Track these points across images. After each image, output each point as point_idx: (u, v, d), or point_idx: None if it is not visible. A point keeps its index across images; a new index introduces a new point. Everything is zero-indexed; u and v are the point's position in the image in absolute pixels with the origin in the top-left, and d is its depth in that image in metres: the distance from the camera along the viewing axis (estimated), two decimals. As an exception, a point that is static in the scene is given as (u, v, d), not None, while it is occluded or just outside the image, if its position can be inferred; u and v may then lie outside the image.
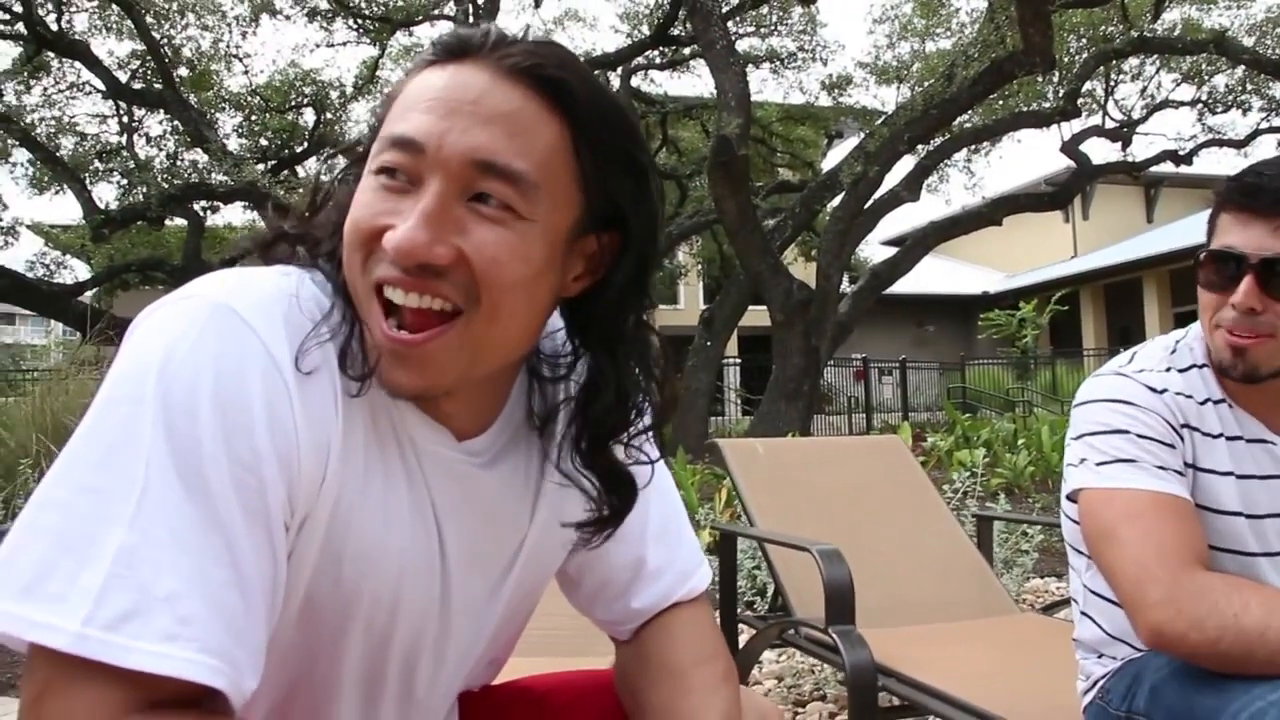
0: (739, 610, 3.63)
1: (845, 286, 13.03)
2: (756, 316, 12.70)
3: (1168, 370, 1.52)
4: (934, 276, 25.29)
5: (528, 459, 1.00)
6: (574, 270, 0.90)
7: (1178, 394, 1.49)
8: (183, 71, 14.12)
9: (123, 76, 13.81)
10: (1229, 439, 1.49)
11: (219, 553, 0.74)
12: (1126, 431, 1.45)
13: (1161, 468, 1.42)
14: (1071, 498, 1.54)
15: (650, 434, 1.02)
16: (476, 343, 0.83)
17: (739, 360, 21.32)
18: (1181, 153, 16.55)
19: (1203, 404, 1.50)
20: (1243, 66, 14.57)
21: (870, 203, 12.10)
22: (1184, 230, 21.78)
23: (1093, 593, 1.66)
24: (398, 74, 15.02)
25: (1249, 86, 15.60)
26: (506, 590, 1.03)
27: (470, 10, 13.46)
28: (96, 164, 13.94)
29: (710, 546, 4.47)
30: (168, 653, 0.69)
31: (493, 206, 0.81)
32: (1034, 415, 13.56)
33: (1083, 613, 1.68)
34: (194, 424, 0.74)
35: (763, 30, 15.73)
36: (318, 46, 15.25)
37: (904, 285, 15.30)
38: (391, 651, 0.95)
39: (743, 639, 3.06)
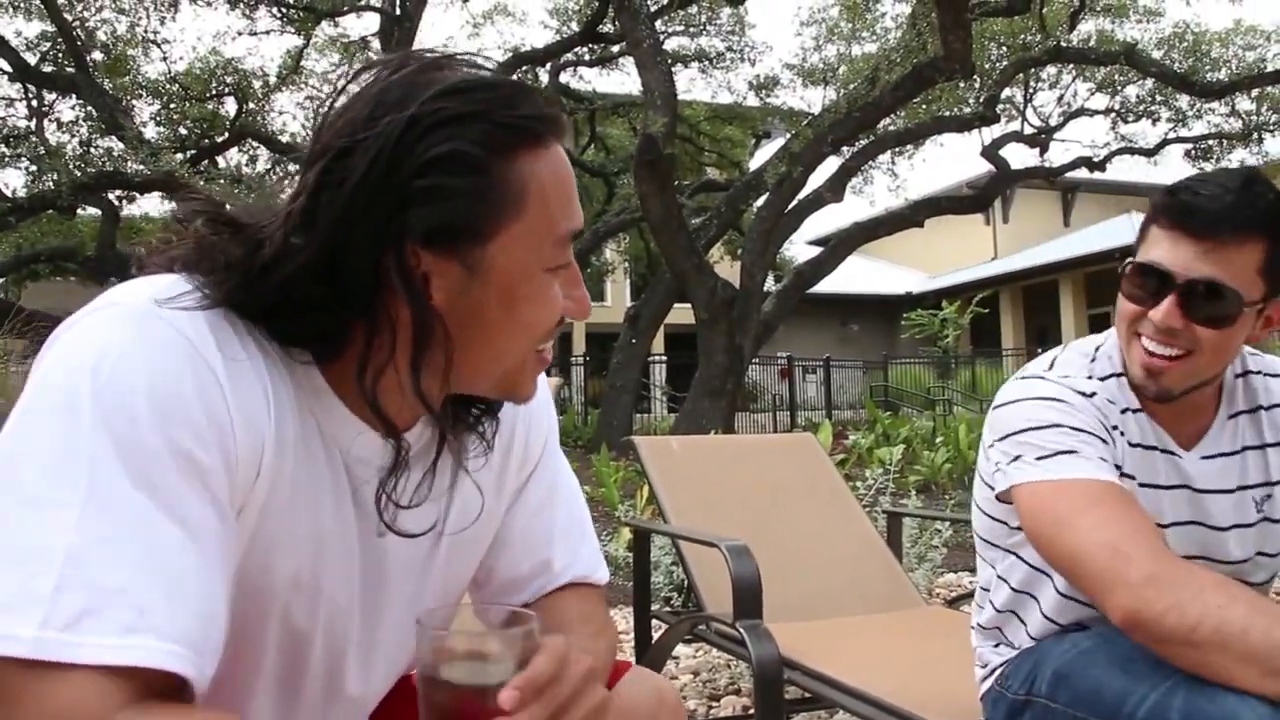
0: (657, 607, 3.66)
1: (770, 285, 13.17)
2: (682, 314, 12.77)
3: (1089, 378, 1.53)
4: (858, 276, 25.64)
5: (442, 446, 1.02)
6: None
7: (1105, 402, 1.49)
8: (97, 56, 13.70)
9: (31, 58, 13.34)
10: (1145, 448, 1.51)
11: (176, 541, 0.75)
12: (1061, 425, 1.44)
13: (1102, 459, 1.41)
14: (1003, 498, 1.53)
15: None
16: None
17: (665, 358, 21.40)
18: (1096, 159, 17.04)
19: (1123, 412, 1.51)
20: (1152, 78, 15.06)
21: (794, 203, 12.25)
22: (1099, 234, 22.40)
23: (1014, 588, 1.66)
24: (323, 64, 14.72)
25: (1158, 98, 16.14)
26: (433, 582, 1.05)
27: (396, 2, 13.30)
28: (2, 149, 13.48)
29: (629, 543, 4.49)
30: (129, 644, 0.70)
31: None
32: (954, 414, 13.84)
33: (999, 610, 1.68)
34: (133, 423, 0.75)
35: (692, 30, 15.82)
36: (240, 34, 14.93)
37: (829, 285, 15.51)
38: (313, 646, 0.96)
39: (658, 636, 3.09)
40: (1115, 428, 1.48)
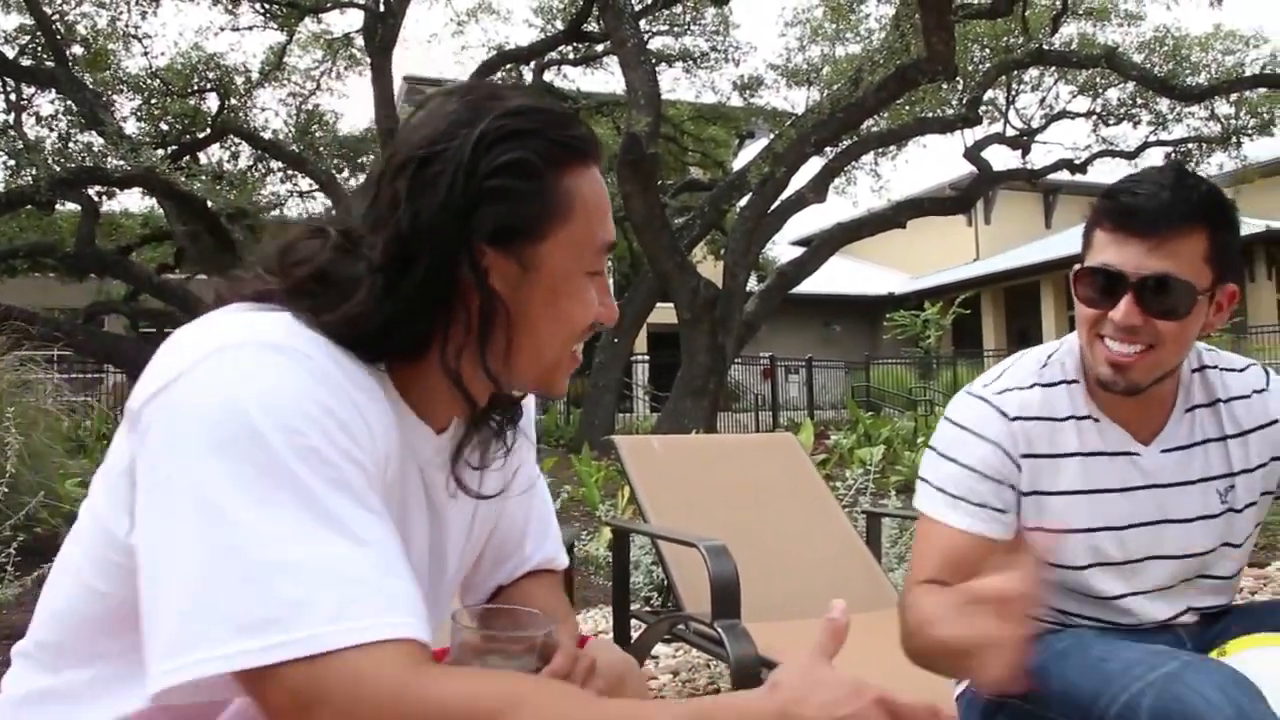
0: (636, 606, 3.66)
1: (753, 285, 13.18)
2: (665, 314, 12.78)
3: (1032, 387, 1.58)
4: (841, 277, 25.69)
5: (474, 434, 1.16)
6: None
7: (1033, 418, 1.55)
8: (77, 50, 13.56)
9: (10, 52, 13.18)
10: (1085, 455, 1.55)
11: (379, 532, 0.87)
12: (957, 462, 1.55)
13: (980, 505, 1.53)
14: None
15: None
16: None
17: (647, 357, 21.39)
18: (1077, 162, 17.11)
19: (1063, 421, 1.56)
20: (1132, 82, 15.15)
21: (778, 203, 12.27)
22: (1080, 236, 22.47)
23: None
24: (306, 61, 14.65)
25: (1139, 101, 16.25)
26: (465, 552, 1.21)
27: (380, 0, 13.24)
28: (-21, 143, 13.33)
29: (609, 543, 4.49)
30: (390, 622, 0.81)
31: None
32: (935, 414, 13.88)
33: None
34: (315, 447, 0.85)
35: (676, 29, 15.81)
36: (222, 30, 14.76)
37: (811, 285, 15.53)
38: None
39: (637, 635, 3.08)
40: (1030, 454, 1.54)
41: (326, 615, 0.79)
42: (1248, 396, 1.59)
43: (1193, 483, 1.57)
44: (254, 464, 0.83)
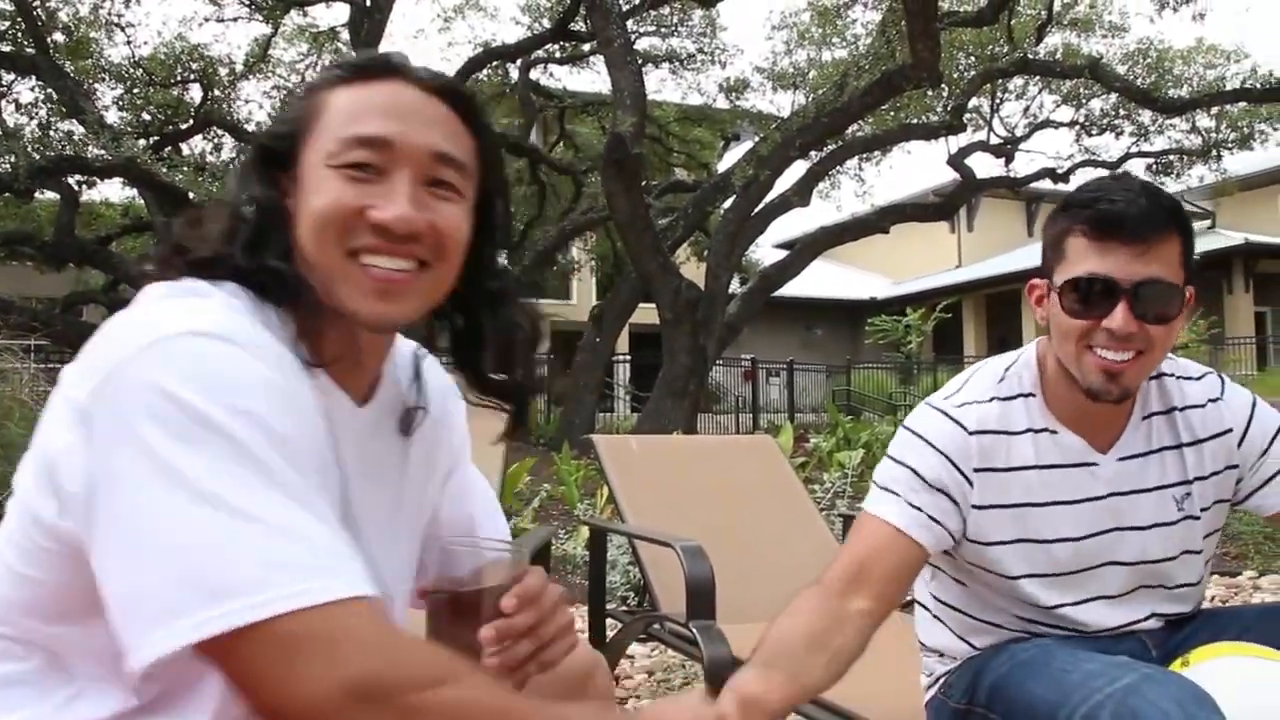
0: (613, 606, 3.66)
1: (736, 288, 13.20)
2: (647, 314, 12.79)
3: (990, 400, 1.59)
4: (823, 281, 25.75)
5: (394, 415, 1.19)
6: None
7: (990, 431, 1.57)
8: (58, 37, 13.43)
9: (-10, 38, 13.07)
10: (1043, 468, 1.57)
11: (328, 506, 0.91)
12: (909, 469, 1.56)
13: (916, 508, 1.53)
14: None
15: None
16: (436, 288, 1.08)
17: (629, 357, 21.38)
18: (1060, 171, 17.22)
19: (1020, 434, 1.58)
20: (1115, 93, 15.26)
21: (761, 206, 12.29)
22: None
23: (939, 600, 1.74)
24: (291, 53, 14.56)
25: (1121, 112, 16.36)
26: (405, 536, 1.21)
27: (368, -8, 13.19)
28: (-42, 130, 13.19)
29: (587, 542, 4.49)
30: (355, 581, 0.86)
31: (446, 189, 1.06)
32: (913, 419, 13.88)
33: (934, 616, 1.75)
34: (263, 422, 0.89)
35: (663, 30, 15.82)
36: (206, 20, 14.66)
37: (793, 288, 15.58)
38: None
39: (612, 634, 3.09)
40: (982, 468, 1.55)
41: (304, 574, 0.83)
42: (1203, 405, 1.61)
43: (1149, 490, 1.59)
44: (208, 446, 0.86)
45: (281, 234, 1.03)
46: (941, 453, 1.56)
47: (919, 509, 1.53)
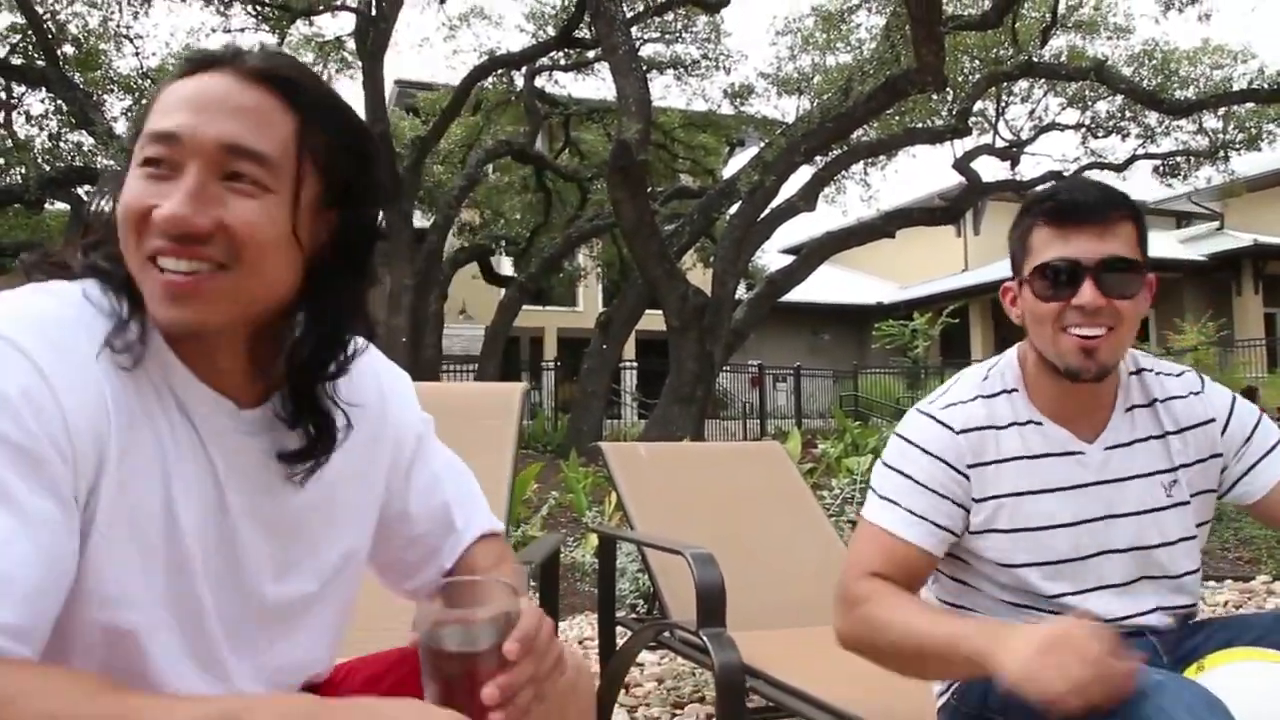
0: (622, 613, 3.65)
1: (742, 294, 13.19)
2: (654, 321, 12.79)
3: (974, 399, 1.67)
4: (830, 286, 25.74)
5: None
6: (320, 237, 1.07)
7: (977, 428, 1.64)
8: (68, 49, 13.52)
9: (1, 50, 13.16)
10: (1031, 458, 1.63)
11: (11, 530, 0.85)
12: (905, 476, 1.63)
13: (918, 516, 1.60)
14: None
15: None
16: (242, 292, 1.00)
17: (635, 364, 21.39)
18: (1066, 174, 17.16)
19: (1006, 428, 1.64)
20: (1121, 95, 15.23)
21: (767, 211, 12.29)
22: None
23: (944, 604, 1.74)
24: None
25: (1127, 114, 16.31)
26: (325, 536, 1.18)
27: (373, 3, 13.23)
28: (-31, 143, 13.27)
29: (595, 549, 4.48)
30: None
31: (245, 183, 0.99)
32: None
33: None
34: None
35: (667, 36, 15.84)
36: (214, 31, 14.74)
37: (800, 294, 15.56)
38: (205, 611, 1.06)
39: (622, 642, 3.08)
40: (976, 464, 1.62)
41: None
42: (1184, 397, 1.69)
43: (1137, 477, 1.64)
44: None
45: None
46: (934, 456, 1.62)
47: (921, 516, 1.59)
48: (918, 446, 1.64)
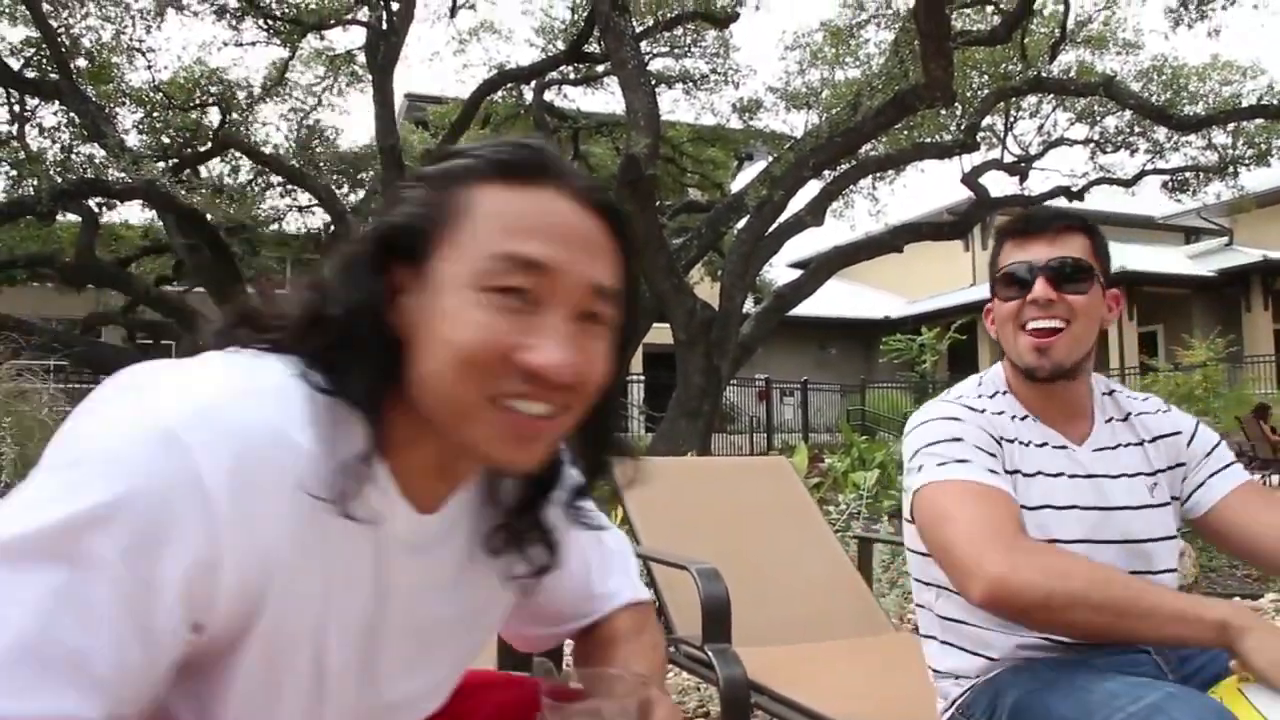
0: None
1: (750, 307, 13.20)
2: (661, 334, 12.81)
3: (980, 397, 1.80)
4: (837, 300, 25.74)
5: (472, 529, 1.07)
6: None
7: (994, 414, 1.75)
8: (81, 62, 13.61)
9: (15, 64, 13.25)
10: (1039, 445, 1.74)
11: (77, 663, 0.75)
12: (960, 439, 1.67)
13: (990, 470, 1.64)
14: (912, 510, 1.70)
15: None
16: (569, 427, 0.95)
17: (643, 377, 21.40)
18: (1075, 189, 17.14)
19: (1005, 415, 1.76)
20: (1130, 110, 15.23)
21: (775, 226, 12.30)
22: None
23: (947, 620, 1.74)
24: (308, 76, 14.64)
25: (1136, 129, 16.30)
26: (446, 652, 1.10)
27: (384, 17, 13.31)
28: (-17, 154, 13.37)
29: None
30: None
31: (597, 324, 0.94)
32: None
33: (943, 642, 1.76)
34: (104, 534, 0.76)
35: (676, 51, 15.87)
36: (225, 45, 14.83)
37: (807, 308, 15.56)
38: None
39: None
40: (1005, 438, 1.71)
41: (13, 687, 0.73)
42: (1154, 412, 1.85)
43: (1124, 476, 1.74)
44: (48, 509, 0.78)
45: (379, 339, 0.91)
46: (973, 423, 1.71)
47: (992, 470, 1.64)
48: (951, 419, 1.71)
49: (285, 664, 0.90)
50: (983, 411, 1.73)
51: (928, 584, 1.79)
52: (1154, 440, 1.80)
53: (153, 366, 0.86)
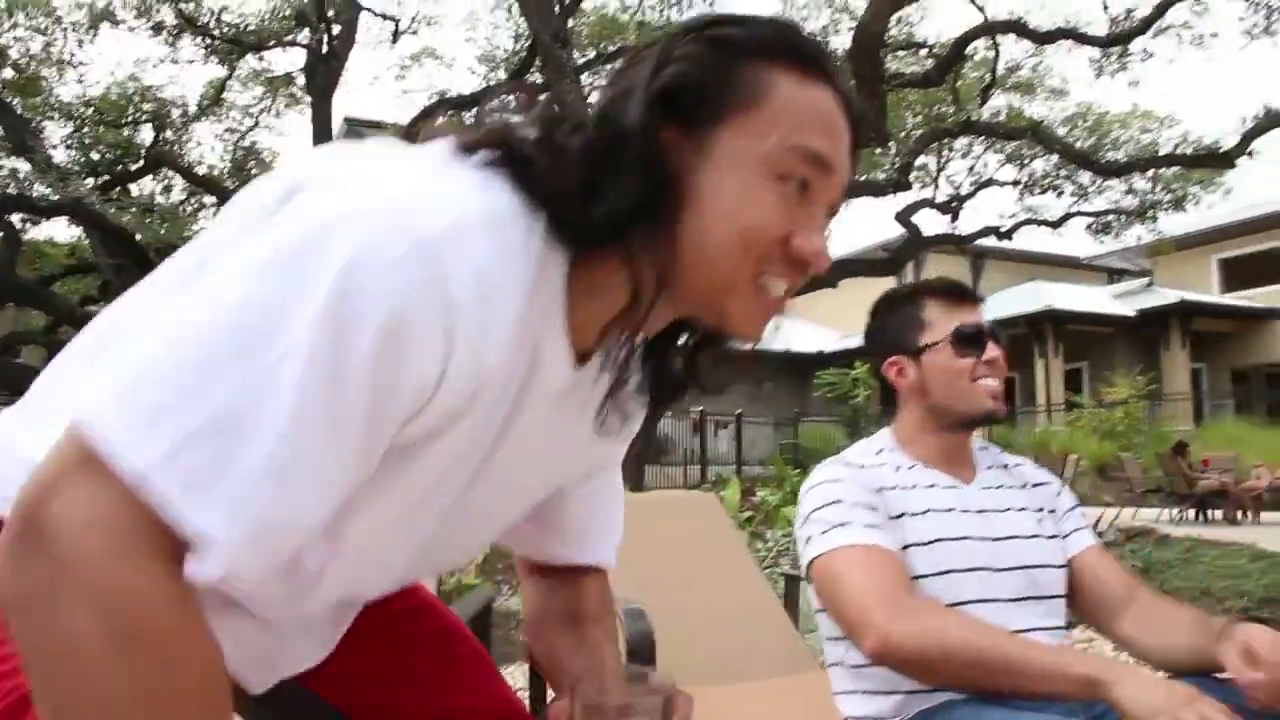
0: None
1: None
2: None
3: (864, 453, 1.94)
4: (772, 334, 25.94)
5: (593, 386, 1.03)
6: None
7: (876, 466, 1.88)
8: (8, 73, 13.34)
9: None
10: (928, 487, 1.85)
11: (315, 466, 0.76)
12: (839, 500, 1.77)
13: (869, 526, 1.72)
14: (809, 577, 1.77)
15: None
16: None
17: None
18: (1003, 229, 17.59)
19: (896, 469, 1.88)
20: (1056, 154, 15.70)
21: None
22: (1006, 300, 23.14)
23: (860, 667, 1.76)
24: (245, 97, 14.51)
25: (1062, 173, 16.81)
26: (510, 509, 1.14)
27: (324, 40, 13.25)
28: (-98, 167, 13.00)
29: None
30: (205, 518, 0.72)
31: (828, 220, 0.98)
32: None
33: (858, 692, 1.78)
34: (350, 340, 0.75)
35: (618, 84, 16.00)
36: (161, 62, 14.68)
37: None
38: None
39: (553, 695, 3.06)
40: (885, 487, 1.81)
41: (177, 473, 0.72)
42: (1024, 464, 2.01)
43: (1012, 510, 1.86)
44: (281, 306, 0.76)
45: (648, 178, 0.88)
46: (851, 481, 1.81)
47: (872, 525, 1.72)
48: (832, 481, 1.82)
49: (426, 480, 0.92)
50: (863, 467, 1.87)
51: (838, 639, 1.80)
52: (1032, 487, 1.95)
53: (405, 170, 0.86)
